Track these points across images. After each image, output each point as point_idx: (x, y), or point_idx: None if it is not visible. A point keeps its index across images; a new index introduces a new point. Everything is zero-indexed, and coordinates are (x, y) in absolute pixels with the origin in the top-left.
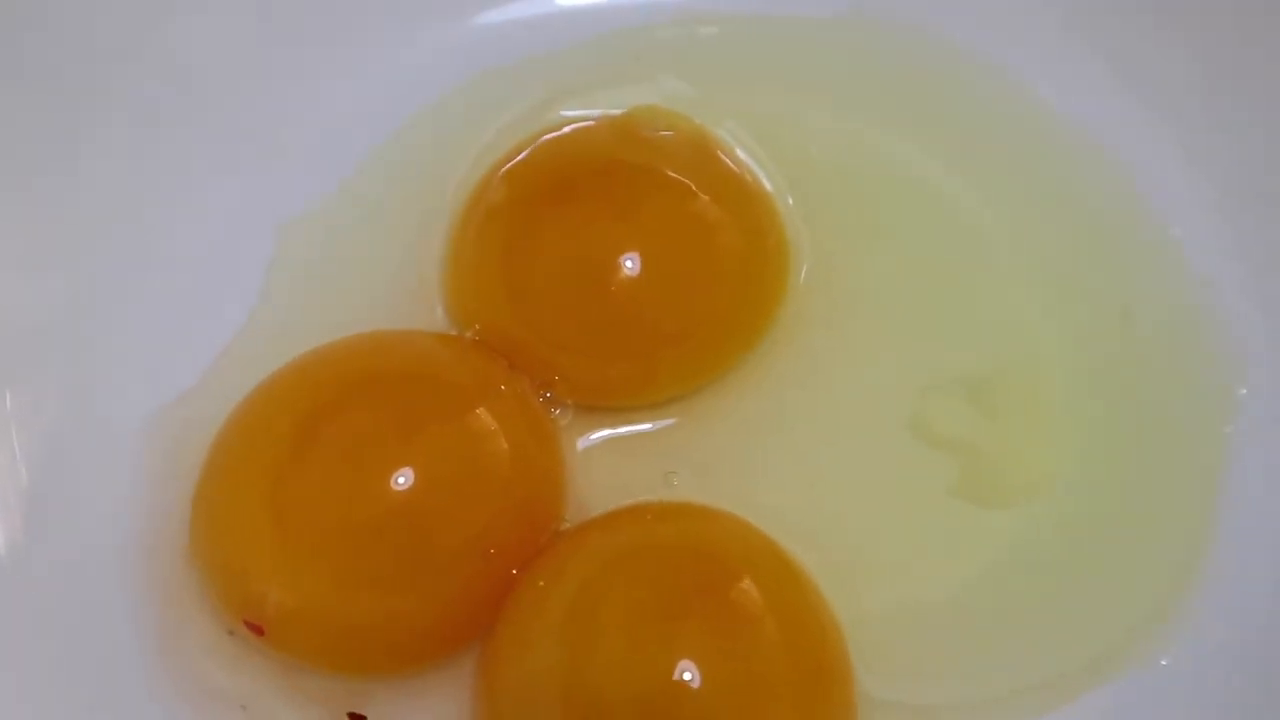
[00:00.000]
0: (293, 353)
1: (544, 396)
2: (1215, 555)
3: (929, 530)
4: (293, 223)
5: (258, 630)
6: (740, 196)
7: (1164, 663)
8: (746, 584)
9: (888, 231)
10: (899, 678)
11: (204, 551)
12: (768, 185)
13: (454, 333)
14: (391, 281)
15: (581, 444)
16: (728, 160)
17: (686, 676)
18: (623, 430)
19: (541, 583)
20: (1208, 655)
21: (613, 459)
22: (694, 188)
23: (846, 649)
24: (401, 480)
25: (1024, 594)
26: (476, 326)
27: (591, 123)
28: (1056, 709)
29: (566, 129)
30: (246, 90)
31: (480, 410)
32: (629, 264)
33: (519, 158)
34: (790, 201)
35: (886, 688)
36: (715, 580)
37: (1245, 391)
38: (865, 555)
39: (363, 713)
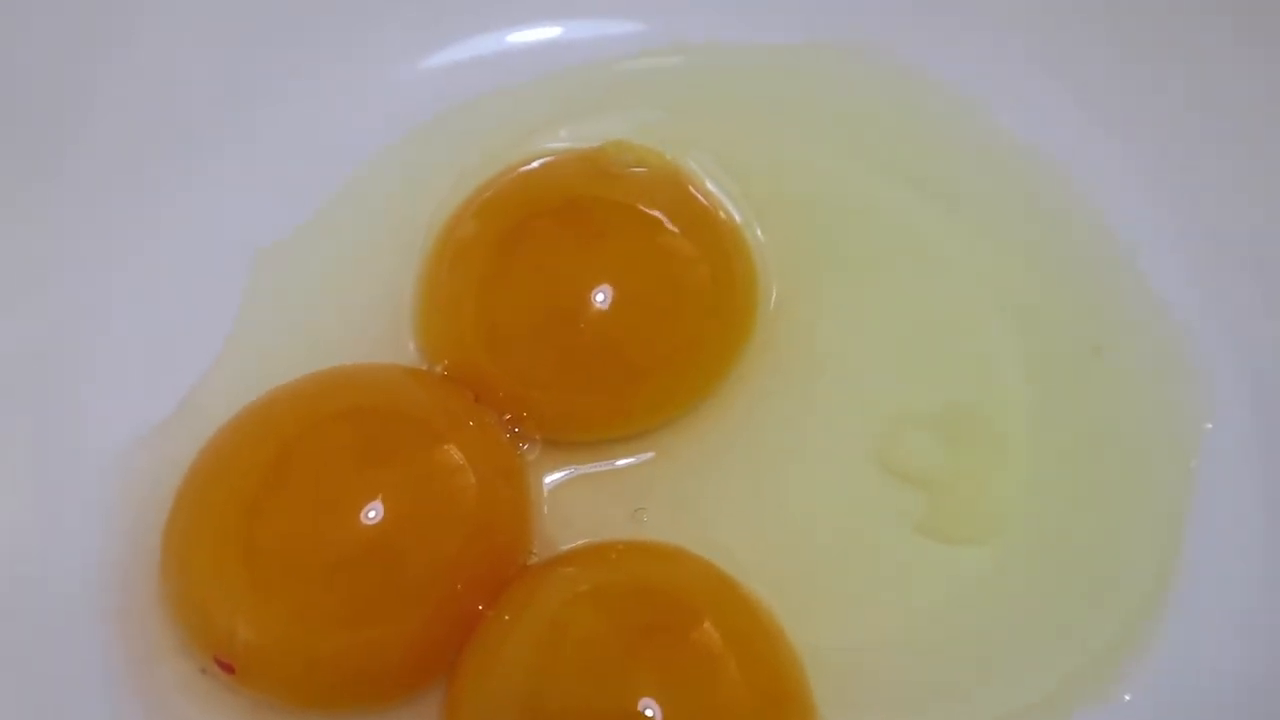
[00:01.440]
0: (267, 385)
1: (512, 432)
2: (1180, 590)
3: (895, 565)
4: (266, 254)
5: (228, 668)
6: (710, 230)
7: (1127, 698)
8: (707, 624)
9: (856, 264)
10: (862, 713)
11: (175, 588)
12: (737, 217)
13: (424, 366)
14: (365, 314)
15: (549, 480)
16: (698, 194)
17: (649, 714)
18: (590, 467)
19: (506, 617)
20: (1171, 691)
21: (580, 494)
22: (664, 222)
23: (808, 686)
24: (370, 515)
25: (987, 629)
26: (446, 361)
27: (562, 157)
28: None
29: (536, 164)
30: (220, 119)
31: (447, 446)
32: (598, 298)
33: (489, 192)
34: (759, 234)
35: None
36: (678, 620)
37: (1211, 426)
38: (831, 590)
39: None
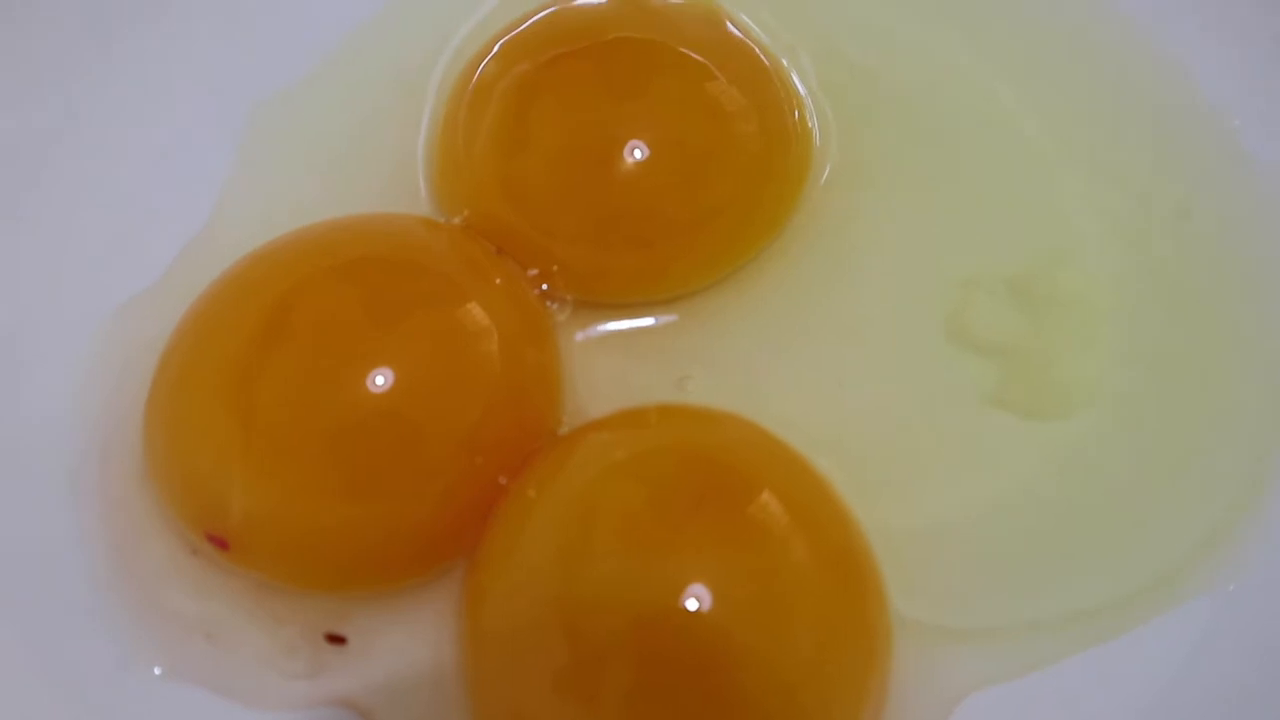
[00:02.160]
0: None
1: (540, 289)
2: None
3: (963, 441)
4: (267, 101)
5: (222, 544)
6: (758, 75)
7: (1231, 589)
8: (763, 494)
9: (921, 121)
10: (929, 598)
11: (160, 459)
12: (786, 65)
13: (439, 219)
14: (371, 164)
15: (580, 341)
16: (744, 37)
17: (695, 595)
18: (628, 327)
19: (533, 492)
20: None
21: (617, 359)
22: (708, 64)
23: (878, 568)
24: (379, 378)
25: (1069, 513)
26: (465, 212)
27: None
28: (1107, 640)
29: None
30: None
31: (467, 301)
32: (637, 146)
33: (518, 29)
34: (815, 85)
35: (914, 607)
36: (728, 489)
37: None
38: (893, 467)
39: (342, 633)
